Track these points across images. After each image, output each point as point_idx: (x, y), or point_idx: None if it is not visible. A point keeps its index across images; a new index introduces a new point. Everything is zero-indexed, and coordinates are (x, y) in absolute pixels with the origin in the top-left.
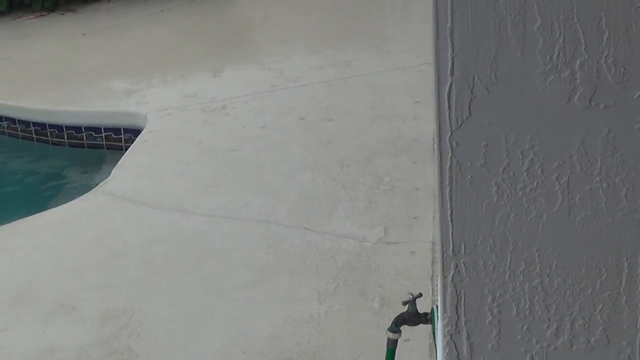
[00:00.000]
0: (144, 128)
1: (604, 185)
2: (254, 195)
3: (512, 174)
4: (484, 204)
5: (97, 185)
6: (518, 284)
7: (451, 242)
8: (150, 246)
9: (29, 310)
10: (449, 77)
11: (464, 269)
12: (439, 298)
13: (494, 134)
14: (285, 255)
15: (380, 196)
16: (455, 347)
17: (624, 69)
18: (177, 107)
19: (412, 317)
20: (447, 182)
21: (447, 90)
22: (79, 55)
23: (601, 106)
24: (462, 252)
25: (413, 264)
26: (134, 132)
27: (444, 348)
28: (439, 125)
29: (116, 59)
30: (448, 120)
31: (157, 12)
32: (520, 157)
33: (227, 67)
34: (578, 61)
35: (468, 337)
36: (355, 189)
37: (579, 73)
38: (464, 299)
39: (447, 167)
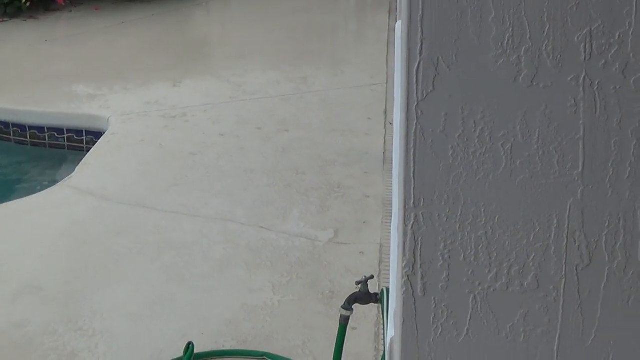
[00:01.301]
0: (106, 130)
1: (540, 153)
2: (213, 196)
3: (465, 140)
4: (441, 165)
5: (60, 180)
6: (466, 233)
7: (412, 196)
8: (114, 237)
9: None
10: (418, 56)
11: (422, 219)
12: (398, 244)
13: (452, 105)
14: (242, 250)
15: (332, 202)
16: (411, 285)
17: (560, 56)
18: (139, 112)
19: (363, 296)
20: (412, 145)
21: (415, 67)
22: (43, 60)
23: (541, 86)
24: (421, 204)
25: (362, 262)
26: (96, 135)
27: (402, 287)
28: (407, 96)
29: (79, 66)
30: (415, 92)
31: (118, 24)
32: (473, 126)
33: (186, 78)
34: (523, 48)
35: (422, 277)
36: (308, 194)
37: (523, 58)
38: (421, 245)
39: (413, 132)
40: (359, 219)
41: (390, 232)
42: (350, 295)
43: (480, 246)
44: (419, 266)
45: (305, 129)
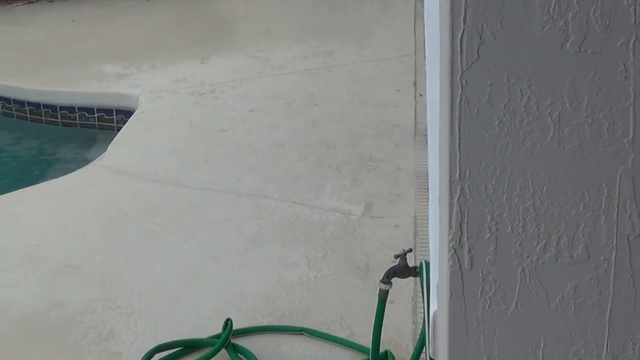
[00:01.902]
0: (136, 109)
1: (589, 121)
2: (244, 172)
3: (511, 109)
4: (487, 135)
5: (93, 160)
6: (513, 205)
7: (458, 168)
8: (147, 215)
9: (37, 269)
10: (462, 24)
11: (468, 191)
12: (441, 217)
13: (498, 74)
14: (276, 226)
15: (364, 175)
16: (458, 259)
17: (609, 20)
18: (168, 90)
19: (402, 270)
20: (457, 116)
21: (459, 35)
22: (70, 40)
23: (589, 52)
24: (467, 176)
25: (396, 236)
26: (126, 113)
27: (448, 261)
28: (451, 66)
29: (106, 45)
30: (460, 62)
31: (142, 2)
32: (519, 95)
33: (213, 55)
34: (570, 13)
35: (469, 250)
36: (340, 168)
37: (571, 23)
38: (467, 217)
39: (457, 102)
40: (391, 192)
41: (425, 205)
42: (389, 269)
43: (528, 217)
44: (465, 239)
45: (334, 103)
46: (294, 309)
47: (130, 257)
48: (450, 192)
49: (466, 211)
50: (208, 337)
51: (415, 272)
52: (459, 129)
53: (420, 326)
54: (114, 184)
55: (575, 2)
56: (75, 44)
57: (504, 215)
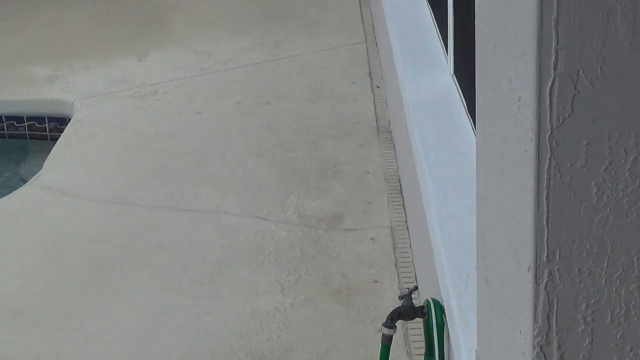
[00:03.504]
0: (71, 116)
1: None
2: (199, 185)
3: (613, 173)
4: (582, 207)
5: (29, 179)
6: (614, 289)
7: (546, 248)
8: (95, 242)
9: None
10: (552, 71)
11: (557, 275)
12: (526, 307)
13: (597, 131)
14: (241, 247)
15: (330, 182)
16: (545, 358)
17: None
18: (105, 93)
19: (408, 311)
20: (545, 185)
21: (549, 86)
22: None
23: None
24: (557, 258)
25: (374, 250)
26: (60, 121)
27: None
28: (538, 124)
29: (32, 44)
30: (549, 119)
31: None
32: (624, 156)
33: (151, 51)
34: None
35: (559, 347)
36: (303, 174)
37: None
38: (557, 308)
39: (545, 168)
40: (362, 199)
41: (400, 213)
42: (393, 311)
43: (633, 303)
44: (554, 334)
45: (287, 100)
46: (273, 346)
47: (80, 294)
48: (536, 278)
49: (555, 300)
50: None
51: (422, 312)
52: (547, 201)
53: None
54: (54, 206)
55: None
56: None
57: (602, 302)
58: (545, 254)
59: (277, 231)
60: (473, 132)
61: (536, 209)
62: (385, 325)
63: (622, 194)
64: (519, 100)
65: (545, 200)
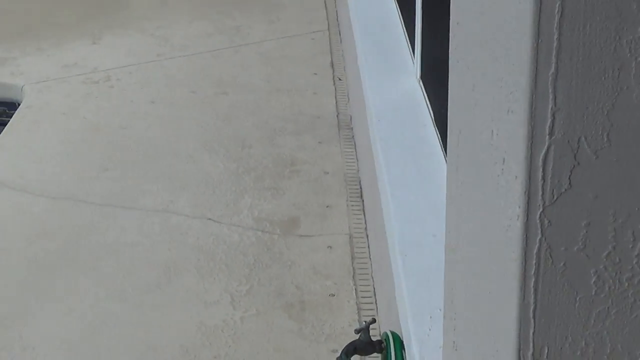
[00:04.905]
0: (20, 102)
1: None
2: (150, 182)
3: (617, 260)
4: (577, 297)
5: None
6: None
7: (531, 345)
8: (36, 241)
9: None
10: (547, 138)
11: None
12: None
13: (599, 210)
14: (191, 251)
15: (286, 182)
16: None
17: None
18: (57, 78)
19: (365, 346)
20: (533, 271)
21: (542, 155)
22: None
23: None
24: (545, 356)
25: (331, 260)
26: (9, 106)
27: None
28: (527, 200)
29: None
30: (540, 194)
31: None
32: (631, 240)
33: (106, 34)
34: None
35: None
36: (259, 173)
37: None
38: None
39: (534, 252)
40: (320, 202)
41: (359, 218)
42: (349, 345)
43: None
44: None
45: (245, 91)
46: None
47: (17, 300)
48: None
49: None
50: None
51: (380, 347)
52: (535, 291)
53: None
54: None
55: None
56: None
57: None
58: (531, 352)
59: (230, 235)
60: (440, 148)
61: (521, 299)
62: (339, 359)
63: (627, 284)
64: (503, 163)
65: (532, 290)
